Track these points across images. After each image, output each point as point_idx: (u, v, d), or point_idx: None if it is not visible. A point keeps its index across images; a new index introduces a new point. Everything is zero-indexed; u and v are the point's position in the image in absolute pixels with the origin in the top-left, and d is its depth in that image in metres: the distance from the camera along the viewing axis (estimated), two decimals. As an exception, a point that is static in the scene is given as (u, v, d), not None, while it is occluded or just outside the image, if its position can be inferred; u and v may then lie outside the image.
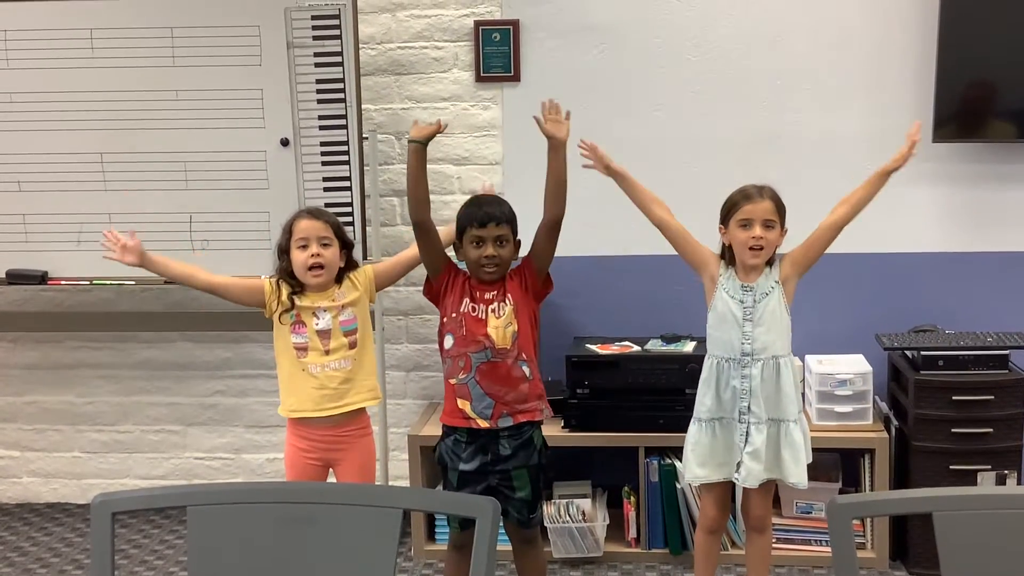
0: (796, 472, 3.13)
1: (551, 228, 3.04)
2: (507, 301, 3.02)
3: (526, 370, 3.05)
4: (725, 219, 3.11)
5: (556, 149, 3.00)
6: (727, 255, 3.17)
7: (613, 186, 3.07)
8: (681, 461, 3.31)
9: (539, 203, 4.00)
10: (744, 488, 3.19)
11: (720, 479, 3.18)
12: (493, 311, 3.02)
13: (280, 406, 3.24)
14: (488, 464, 3.03)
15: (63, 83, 3.94)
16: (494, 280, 3.03)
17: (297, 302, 3.15)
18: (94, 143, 3.97)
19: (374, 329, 4.03)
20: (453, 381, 3.04)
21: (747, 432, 3.11)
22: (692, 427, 3.22)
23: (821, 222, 3.19)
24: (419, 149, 3.00)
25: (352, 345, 3.17)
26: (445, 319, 3.07)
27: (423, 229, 3.03)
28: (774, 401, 3.11)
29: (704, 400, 3.17)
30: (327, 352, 3.14)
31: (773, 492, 3.22)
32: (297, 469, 3.21)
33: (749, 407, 3.11)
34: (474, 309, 3.02)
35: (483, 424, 3.01)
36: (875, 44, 4.00)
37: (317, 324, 3.14)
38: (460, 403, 3.03)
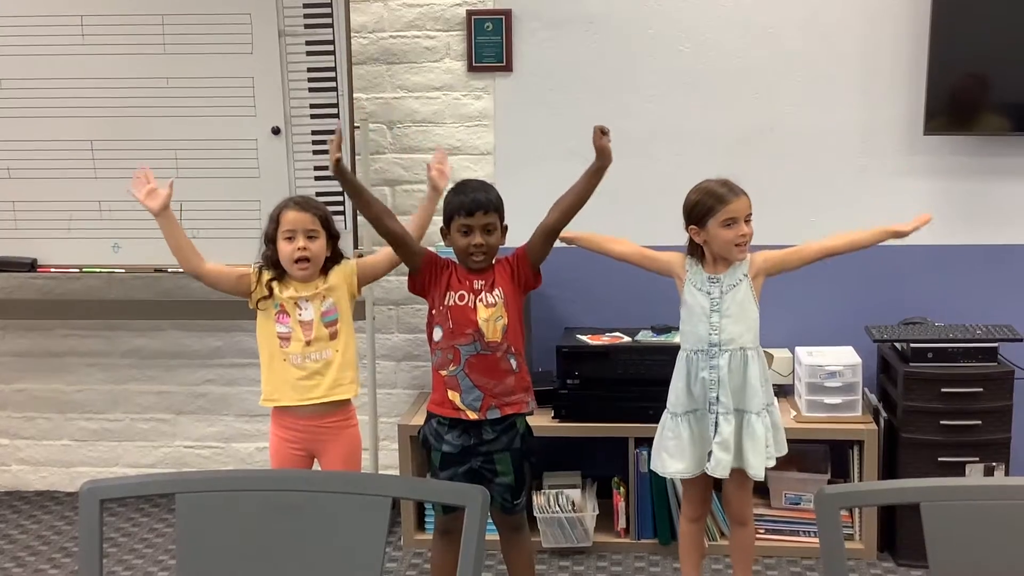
0: (755, 464, 3.14)
1: (553, 233, 3.05)
2: (497, 292, 3.02)
3: (513, 363, 3.04)
4: (700, 220, 3.11)
5: (601, 171, 2.99)
6: (696, 252, 3.18)
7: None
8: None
9: (530, 192, 4.00)
10: (724, 481, 3.21)
11: (698, 472, 3.20)
12: (482, 300, 3.01)
13: (261, 395, 3.24)
14: (471, 447, 3.04)
15: (53, 70, 3.92)
16: (482, 268, 3.03)
17: (280, 292, 3.15)
18: (84, 130, 3.95)
19: (364, 319, 4.05)
20: (443, 373, 3.04)
21: (716, 422, 3.13)
22: (666, 420, 3.23)
23: (813, 243, 3.24)
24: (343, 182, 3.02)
25: (333, 336, 3.17)
26: (433, 311, 3.06)
27: (391, 238, 3.03)
28: (740, 392, 3.14)
29: (677, 393, 3.19)
30: (308, 343, 3.14)
31: (751, 485, 3.22)
32: (281, 459, 3.21)
33: (718, 397, 3.13)
34: (462, 298, 3.01)
35: (472, 416, 3.01)
36: (867, 36, 4.00)
37: (300, 315, 3.14)
38: (450, 394, 3.03)
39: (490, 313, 3.00)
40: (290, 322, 3.15)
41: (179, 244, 3.21)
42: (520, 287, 3.07)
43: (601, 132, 2.95)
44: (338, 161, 2.89)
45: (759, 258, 3.18)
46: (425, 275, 3.04)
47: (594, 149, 2.96)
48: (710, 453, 3.15)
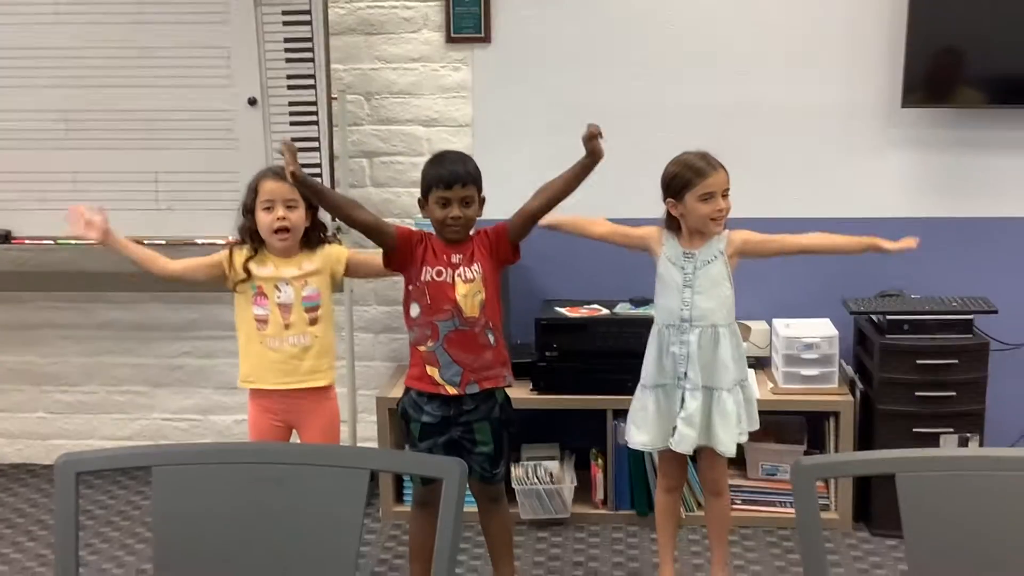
0: (725, 440, 3.15)
1: (534, 218, 3.02)
2: (476, 267, 3.00)
3: (491, 338, 3.03)
4: (678, 193, 3.10)
5: (590, 168, 2.94)
6: (673, 225, 3.18)
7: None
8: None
9: (508, 164, 4.01)
10: (698, 453, 3.22)
11: (664, 447, 3.21)
12: (460, 275, 3.00)
13: (239, 377, 3.23)
14: (450, 417, 3.04)
15: (26, 39, 3.87)
16: (459, 240, 3.02)
17: (258, 272, 3.13)
18: (57, 101, 3.91)
19: (342, 291, 4.04)
20: (422, 349, 3.03)
21: (683, 398, 3.14)
22: (638, 392, 3.26)
23: (794, 236, 3.23)
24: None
25: (312, 322, 3.15)
26: (410, 287, 3.04)
27: (363, 228, 3.01)
28: (710, 369, 3.13)
29: (648, 366, 3.21)
30: (287, 326, 3.13)
31: (725, 458, 3.24)
32: (260, 431, 3.21)
33: (686, 373, 3.13)
34: (440, 273, 2.99)
35: (451, 391, 3.01)
36: (845, 9, 4.00)
37: (279, 297, 3.13)
38: (429, 370, 3.02)
39: (468, 288, 2.99)
40: (268, 304, 3.13)
41: (138, 258, 3.21)
42: (498, 262, 3.06)
43: (592, 134, 2.89)
44: (294, 173, 2.84)
45: (738, 238, 3.17)
46: (400, 252, 3.01)
47: (584, 146, 2.92)
48: (674, 428, 3.17)
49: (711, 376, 3.14)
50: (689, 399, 3.13)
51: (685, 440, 3.14)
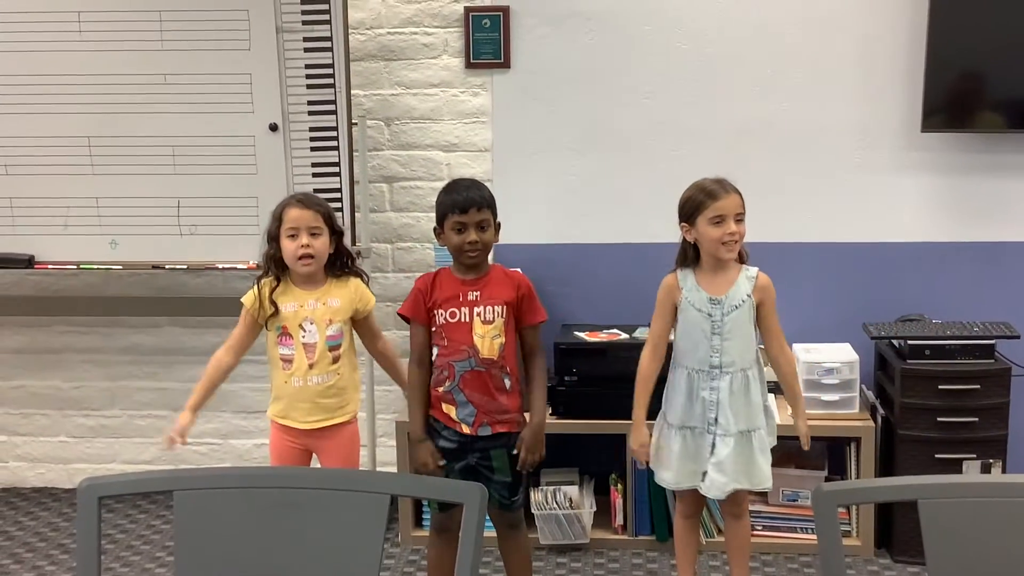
0: (767, 472, 3.15)
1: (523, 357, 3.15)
2: (499, 309, 3.01)
3: (507, 383, 3.04)
4: (690, 217, 3.08)
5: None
6: (689, 255, 3.16)
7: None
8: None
9: (528, 189, 4.02)
10: None
11: (689, 487, 3.19)
12: (479, 314, 3.00)
13: (269, 410, 3.25)
14: (467, 442, 3.04)
15: (51, 66, 3.91)
16: (477, 265, 3.03)
17: (283, 308, 3.14)
18: (82, 127, 3.95)
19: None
20: (440, 390, 3.05)
21: (713, 443, 3.13)
22: (662, 428, 3.23)
23: (781, 348, 3.17)
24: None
25: (335, 360, 3.17)
26: (432, 331, 3.08)
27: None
28: (745, 414, 3.11)
29: (675, 407, 3.18)
30: (311, 366, 3.14)
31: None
32: (280, 454, 3.22)
33: (716, 418, 3.12)
34: (453, 315, 3.01)
35: (466, 430, 3.03)
36: (865, 33, 4.00)
37: (304, 337, 3.14)
38: (445, 408, 3.05)
39: (486, 330, 3.00)
40: (293, 344, 3.14)
41: (212, 391, 3.25)
42: (515, 319, 3.08)
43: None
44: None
45: (764, 289, 3.12)
46: (430, 320, 3.05)
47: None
48: (704, 473, 3.15)
49: (747, 420, 3.12)
50: (720, 445, 3.11)
51: (715, 486, 3.12)
